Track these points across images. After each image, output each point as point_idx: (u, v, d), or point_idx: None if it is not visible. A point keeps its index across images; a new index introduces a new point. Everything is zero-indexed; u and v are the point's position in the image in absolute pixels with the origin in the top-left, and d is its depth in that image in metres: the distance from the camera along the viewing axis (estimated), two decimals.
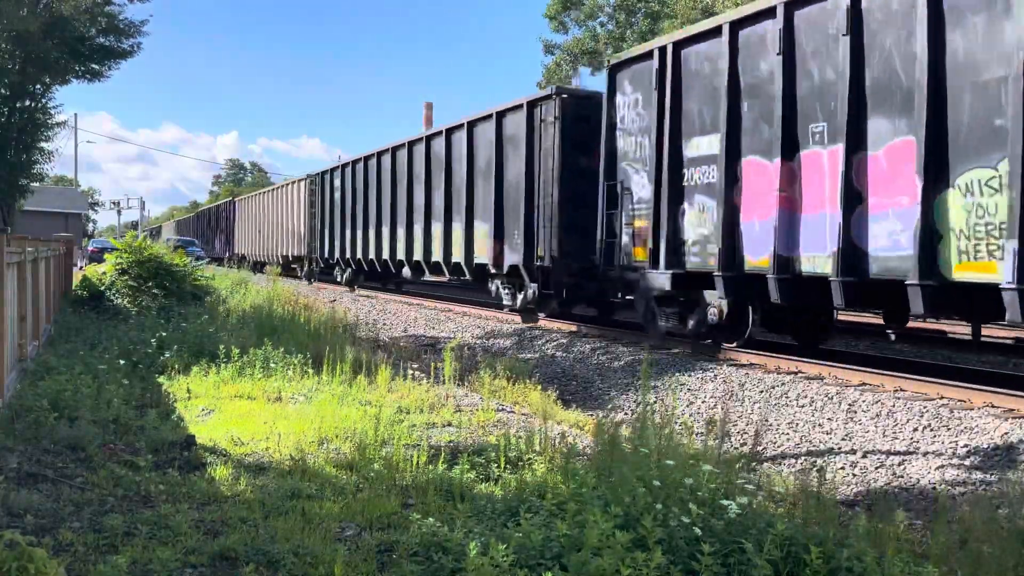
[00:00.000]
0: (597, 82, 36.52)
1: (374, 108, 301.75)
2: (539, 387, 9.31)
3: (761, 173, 9.72)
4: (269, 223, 35.49)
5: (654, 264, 11.35)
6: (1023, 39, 6.95)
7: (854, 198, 8.50)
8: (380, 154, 22.10)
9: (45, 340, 10.29)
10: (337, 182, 26.28)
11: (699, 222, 10.74)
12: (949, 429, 7.12)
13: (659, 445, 4.95)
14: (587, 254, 13.15)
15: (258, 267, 35.70)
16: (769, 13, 9.69)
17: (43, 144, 25.47)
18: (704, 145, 10.73)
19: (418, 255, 19.29)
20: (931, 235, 7.69)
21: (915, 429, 7.25)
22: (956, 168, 7.55)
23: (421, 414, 7.17)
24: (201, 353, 9.42)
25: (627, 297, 12.55)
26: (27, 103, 23.20)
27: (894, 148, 8.16)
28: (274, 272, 24.56)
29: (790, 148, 9.29)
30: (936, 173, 7.68)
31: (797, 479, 5.90)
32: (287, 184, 33.41)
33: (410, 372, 8.59)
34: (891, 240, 8.17)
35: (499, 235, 15.43)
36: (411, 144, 20.15)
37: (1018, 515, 4.54)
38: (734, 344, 10.99)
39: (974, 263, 7.39)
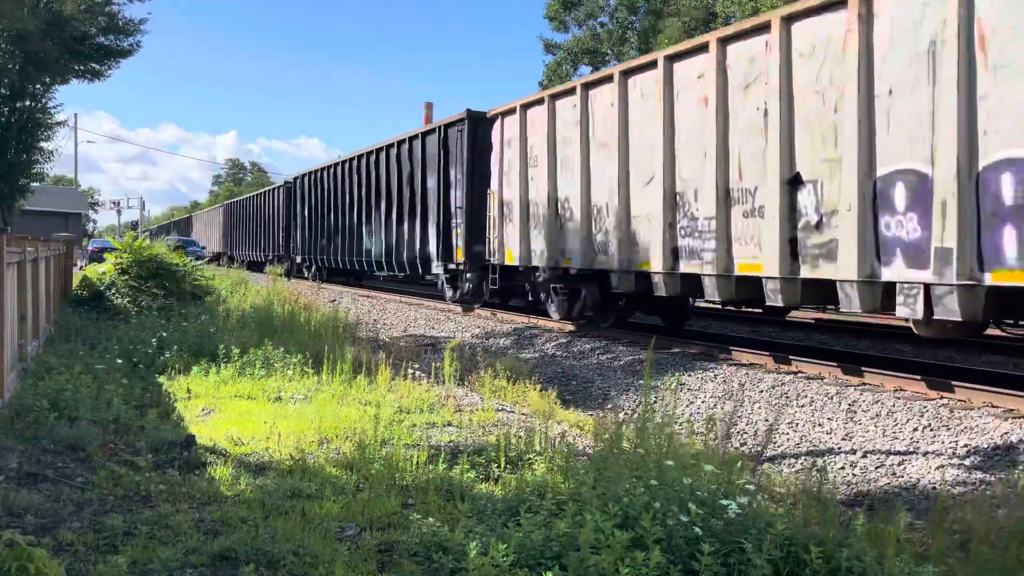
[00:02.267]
0: None
1: (374, 108, 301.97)
2: (539, 387, 9.31)
3: None
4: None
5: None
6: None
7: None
8: None
9: (45, 340, 10.29)
10: None
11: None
12: (949, 429, 7.12)
13: (659, 445, 4.94)
14: None
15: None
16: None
17: (43, 144, 25.47)
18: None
19: None
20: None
21: (915, 429, 7.25)
22: None
23: (421, 414, 7.17)
24: (201, 353, 9.42)
25: None
26: (27, 103, 23.17)
27: None
28: (273, 271, 24.48)
29: None
30: None
31: (797, 479, 5.90)
32: None
33: (410, 372, 8.58)
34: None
35: None
36: None
37: (1018, 515, 4.54)
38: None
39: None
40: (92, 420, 6.22)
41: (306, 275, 30.95)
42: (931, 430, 7.18)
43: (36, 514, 4.32)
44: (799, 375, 9.44)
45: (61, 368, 8.01)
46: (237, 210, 47.27)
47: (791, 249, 9.20)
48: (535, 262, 14.39)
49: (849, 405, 8.07)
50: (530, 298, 15.69)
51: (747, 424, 8.25)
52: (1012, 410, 7.33)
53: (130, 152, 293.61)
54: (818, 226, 8.88)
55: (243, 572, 3.59)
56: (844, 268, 8.46)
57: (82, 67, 23.11)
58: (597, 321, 13.70)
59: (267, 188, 38.39)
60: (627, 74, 12.09)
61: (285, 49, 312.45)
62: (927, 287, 7.67)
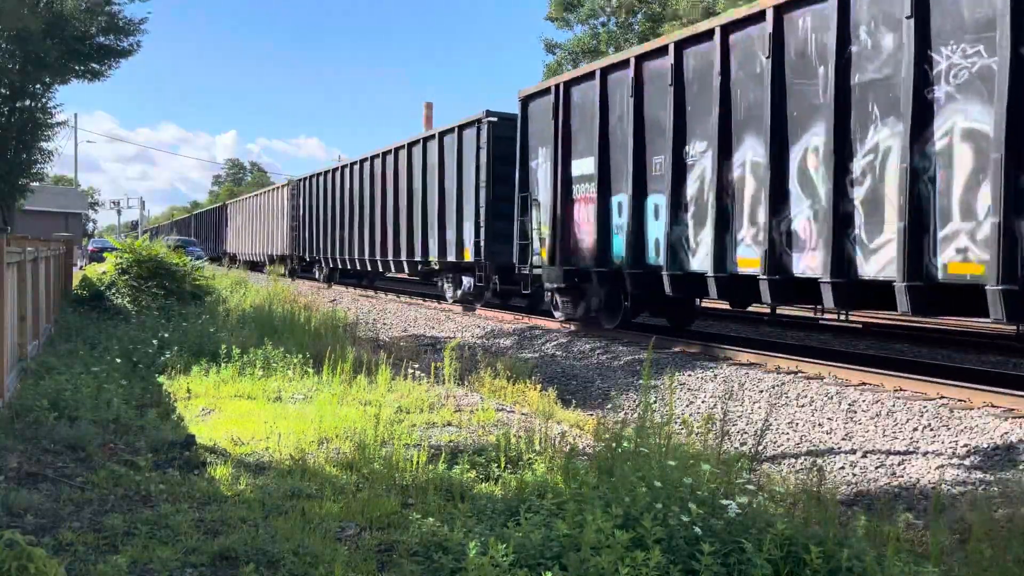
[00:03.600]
0: None
1: (374, 108, 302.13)
2: (539, 387, 9.32)
3: None
4: None
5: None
6: None
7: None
8: None
9: (45, 340, 10.29)
10: None
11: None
12: (949, 429, 7.12)
13: (659, 444, 4.95)
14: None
15: None
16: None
17: (43, 144, 25.46)
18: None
19: None
20: None
21: (915, 429, 7.26)
22: None
23: (421, 414, 7.17)
24: (201, 353, 9.42)
25: None
26: (27, 103, 23.17)
27: None
28: (274, 272, 24.39)
29: None
30: None
31: (797, 479, 5.90)
32: None
33: (410, 372, 8.59)
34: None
35: None
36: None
37: (1017, 515, 4.54)
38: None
39: None
40: (92, 420, 6.21)
41: (559, 310, 14.51)
42: (931, 430, 7.18)
43: (36, 514, 4.32)
44: (799, 375, 9.44)
45: (61, 368, 8.02)
46: (336, 185, 27.34)
47: None
48: None
49: (849, 405, 8.07)
50: None
51: (747, 424, 8.25)
52: (1012, 410, 7.33)
53: (130, 152, 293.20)
54: None
55: (243, 572, 3.59)
56: None
57: (82, 67, 23.12)
58: None
59: (429, 132, 20.28)
60: None
61: (285, 49, 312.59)
62: None
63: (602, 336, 13.12)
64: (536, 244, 14.54)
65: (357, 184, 25.19)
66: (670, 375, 9.63)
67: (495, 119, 17.09)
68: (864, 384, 8.74)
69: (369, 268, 24.39)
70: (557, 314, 14.74)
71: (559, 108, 13.73)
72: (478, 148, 17.27)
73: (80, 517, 4.33)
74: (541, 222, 14.38)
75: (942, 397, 7.97)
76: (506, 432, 6.04)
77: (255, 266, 34.87)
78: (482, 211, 17.04)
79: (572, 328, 14.17)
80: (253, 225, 40.21)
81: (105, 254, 17.72)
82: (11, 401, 6.55)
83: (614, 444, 4.94)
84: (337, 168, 27.60)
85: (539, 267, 14.41)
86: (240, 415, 6.98)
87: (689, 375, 9.95)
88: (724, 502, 3.89)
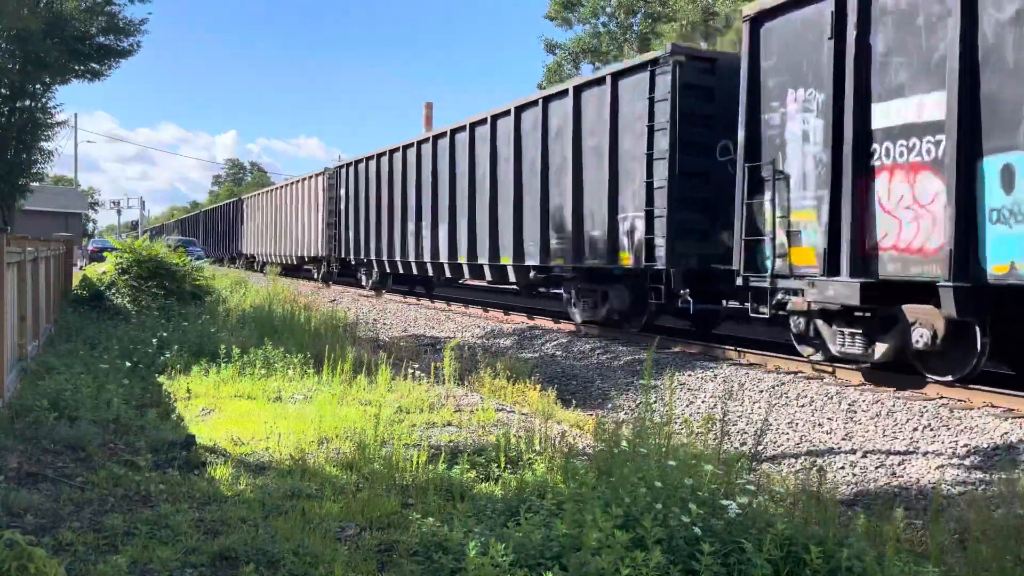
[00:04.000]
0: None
1: (374, 108, 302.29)
2: (539, 387, 9.32)
3: None
4: None
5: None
6: None
7: None
8: None
9: (45, 340, 10.29)
10: None
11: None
12: (949, 429, 7.13)
13: (659, 445, 4.95)
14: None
15: None
16: None
17: (43, 144, 25.44)
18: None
19: None
20: None
21: (915, 429, 7.26)
22: None
23: (421, 414, 7.17)
24: (201, 353, 9.43)
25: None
26: (27, 103, 23.17)
27: None
28: (273, 272, 24.30)
29: None
30: None
31: (797, 479, 5.90)
32: None
33: (410, 372, 8.59)
34: None
35: None
36: None
37: (1016, 515, 4.54)
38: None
39: None
40: (92, 420, 6.22)
41: (822, 348, 9.49)
42: (931, 430, 7.18)
43: (36, 514, 4.32)
44: (799, 375, 9.44)
45: (61, 368, 8.02)
46: (391, 171, 21.97)
47: None
48: None
49: (849, 405, 8.07)
50: None
51: (747, 424, 8.25)
52: (1012, 410, 7.33)
53: (130, 152, 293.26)
54: None
55: (243, 572, 3.59)
56: None
57: (82, 67, 23.11)
58: None
59: (555, 89, 14.56)
60: None
61: (284, 49, 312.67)
62: None
63: (602, 336, 13.12)
64: (780, 240, 9.46)
65: (428, 168, 19.21)
66: (670, 375, 9.62)
67: (682, 57, 11.39)
68: (864, 384, 8.74)
69: (448, 273, 18.80)
70: (815, 354, 9.60)
71: (845, 22, 8.49)
72: (652, 103, 11.64)
73: (80, 517, 4.34)
74: (789, 206, 9.35)
75: (942, 397, 7.98)
76: (506, 432, 6.04)
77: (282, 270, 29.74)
78: (659, 194, 11.54)
79: (571, 328, 14.15)
80: (278, 222, 34.15)
81: (105, 254, 17.72)
82: (11, 401, 6.55)
83: (614, 444, 4.94)
84: (396, 148, 21.54)
85: (785, 276, 9.44)
86: (240, 415, 6.99)
87: (689, 375, 9.95)
88: (724, 502, 3.89)
